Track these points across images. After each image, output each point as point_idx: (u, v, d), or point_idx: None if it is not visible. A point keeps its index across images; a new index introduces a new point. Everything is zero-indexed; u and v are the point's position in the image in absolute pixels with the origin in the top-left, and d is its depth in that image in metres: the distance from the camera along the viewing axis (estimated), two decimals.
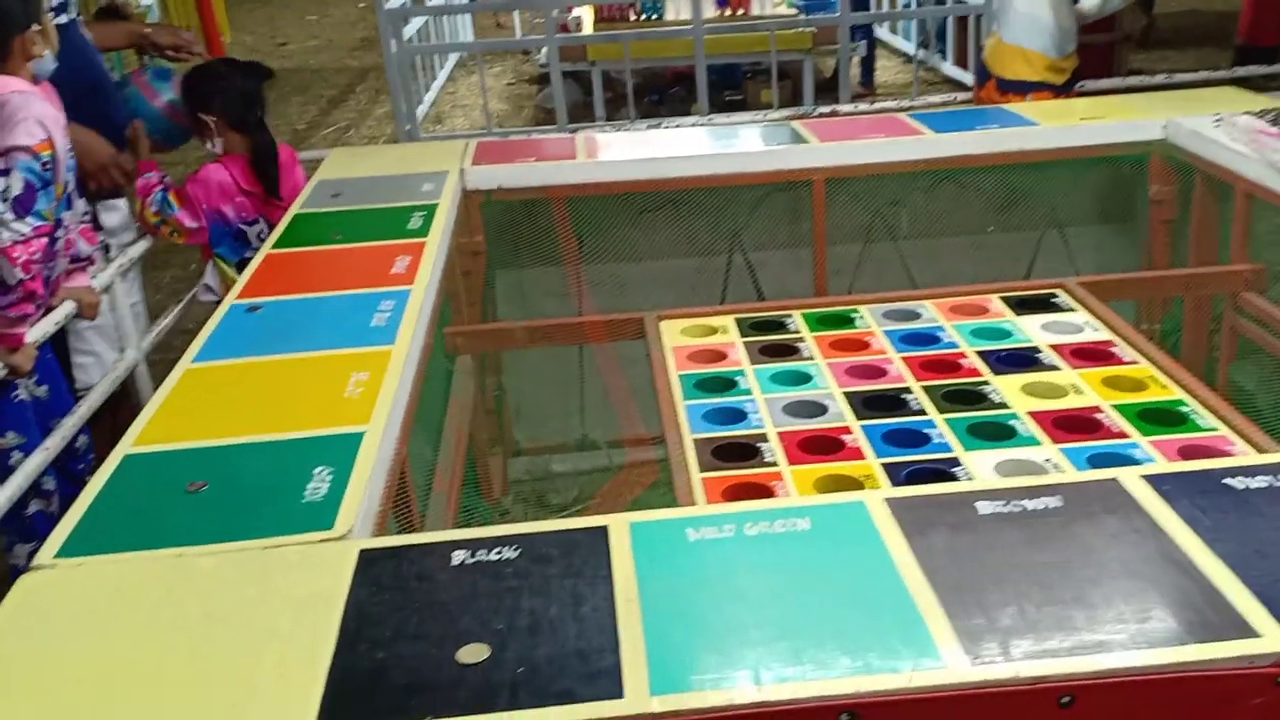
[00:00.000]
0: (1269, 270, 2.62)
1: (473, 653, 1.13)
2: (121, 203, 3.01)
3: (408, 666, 1.12)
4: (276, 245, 2.39)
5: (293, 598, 1.24)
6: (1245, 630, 1.10)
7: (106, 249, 2.89)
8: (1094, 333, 2.30)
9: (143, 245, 2.96)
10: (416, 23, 7.17)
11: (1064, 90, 3.60)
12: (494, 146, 3.10)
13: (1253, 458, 1.64)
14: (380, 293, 2.06)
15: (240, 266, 2.90)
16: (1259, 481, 1.33)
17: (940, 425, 1.99)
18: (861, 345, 2.33)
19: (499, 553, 1.28)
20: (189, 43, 3.13)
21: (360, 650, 1.15)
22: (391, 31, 5.25)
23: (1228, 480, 1.34)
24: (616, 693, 1.07)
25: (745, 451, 1.95)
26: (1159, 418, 1.96)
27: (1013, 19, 3.60)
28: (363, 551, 1.30)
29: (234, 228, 2.90)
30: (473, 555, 1.28)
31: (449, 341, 2.45)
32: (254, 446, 1.55)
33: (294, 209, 2.62)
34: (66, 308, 2.52)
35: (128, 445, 1.57)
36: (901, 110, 3.97)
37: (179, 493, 1.45)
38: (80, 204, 2.62)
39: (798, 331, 2.41)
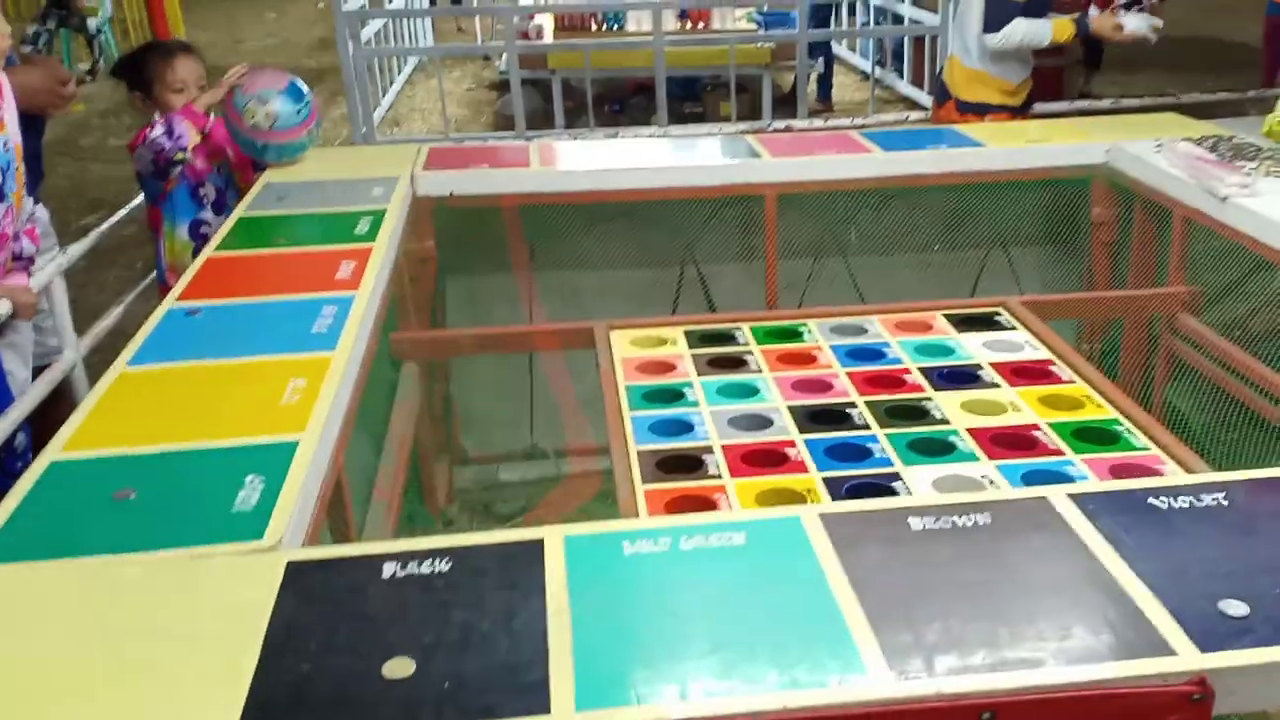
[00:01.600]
0: (1205, 293, 2.68)
1: (399, 667, 1.12)
2: (39, 208, 2.92)
3: (332, 680, 1.11)
4: (219, 248, 2.35)
5: (217, 609, 1.22)
6: (1163, 649, 1.12)
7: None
8: (1034, 351, 2.33)
9: (82, 247, 2.92)
10: (375, 25, 7.12)
11: (1021, 112, 3.70)
12: (447, 152, 3.09)
13: (1176, 478, 1.67)
14: (323, 298, 2.04)
15: (193, 229, 2.91)
16: (1181, 501, 1.36)
17: (882, 440, 2.01)
18: (809, 359, 2.35)
19: (431, 565, 1.27)
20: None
21: (284, 663, 1.13)
22: (349, 33, 5.21)
23: (1152, 500, 1.37)
24: (544, 707, 1.07)
25: (689, 464, 1.95)
26: (1093, 436, 1.99)
27: (972, 44, 3.66)
28: (291, 563, 1.29)
29: (192, 183, 2.89)
30: (404, 567, 1.27)
31: (395, 347, 2.43)
32: (185, 454, 1.53)
33: (238, 212, 2.59)
34: (2, 306, 2.46)
35: (55, 451, 1.54)
36: (855, 128, 4.01)
37: (105, 500, 1.42)
38: (29, 203, 2.57)
39: (746, 345, 2.42)
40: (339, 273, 2.16)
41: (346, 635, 1.17)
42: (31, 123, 2.91)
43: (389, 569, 1.27)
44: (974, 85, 3.66)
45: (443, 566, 1.27)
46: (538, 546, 1.31)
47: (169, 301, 2.07)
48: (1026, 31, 3.53)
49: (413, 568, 1.27)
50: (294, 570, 1.28)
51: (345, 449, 1.74)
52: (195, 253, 2.86)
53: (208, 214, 2.92)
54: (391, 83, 7.92)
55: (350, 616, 1.20)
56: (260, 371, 1.77)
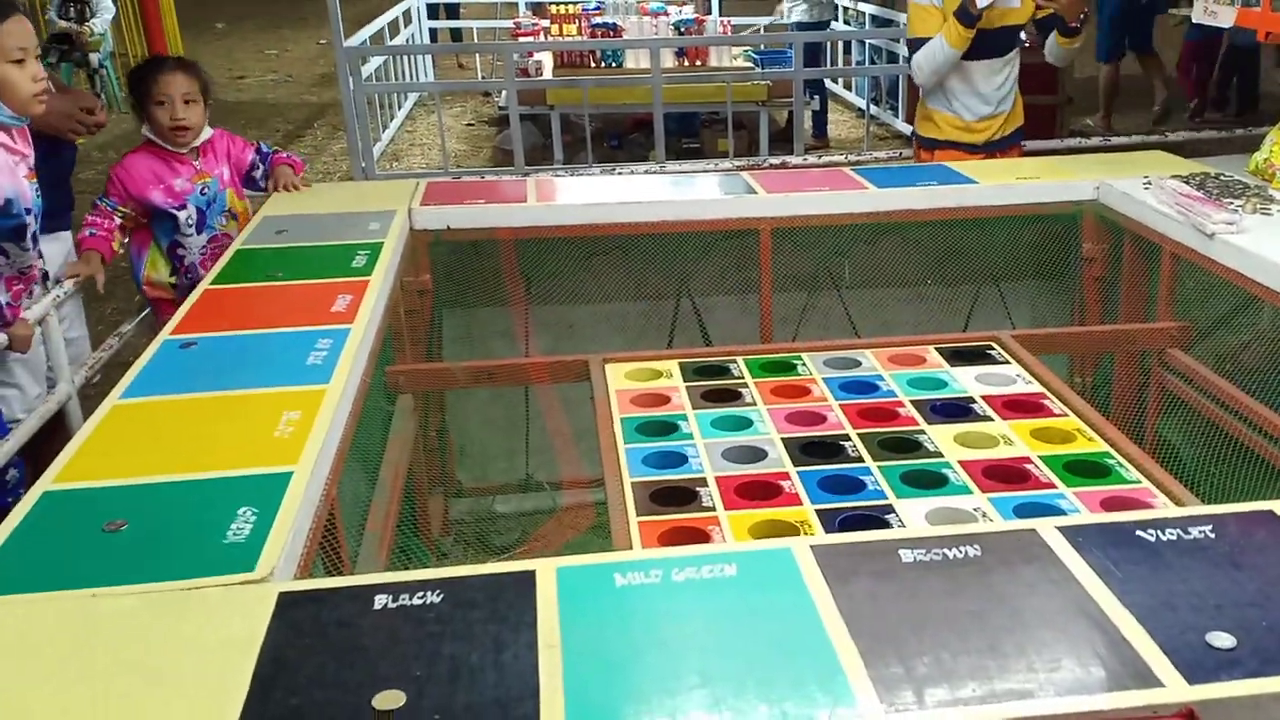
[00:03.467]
0: (1194, 328, 2.70)
1: (389, 699, 1.12)
2: (66, 234, 3.00)
3: (322, 713, 1.11)
4: (215, 281, 2.37)
5: (207, 641, 1.22)
6: (1150, 680, 1.12)
7: (45, 277, 2.87)
8: (1025, 385, 2.34)
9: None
10: (376, 61, 7.19)
11: (983, 151, 3.61)
12: (444, 187, 3.11)
13: (1165, 511, 1.68)
14: (318, 331, 2.05)
15: (170, 250, 2.97)
16: (1170, 534, 1.37)
17: (875, 473, 2.01)
18: (802, 392, 2.36)
19: (422, 597, 1.28)
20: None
21: (274, 696, 1.13)
22: (349, 69, 5.26)
23: (1140, 533, 1.37)
24: None
25: (683, 496, 1.95)
26: (1085, 470, 2.00)
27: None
28: (282, 594, 1.29)
29: (165, 211, 2.94)
30: (395, 600, 1.27)
31: (391, 380, 2.44)
32: (177, 486, 1.53)
33: (236, 244, 2.61)
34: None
35: (47, 482, 1.54)
36: (849, 164, 4.04)
37: (96, 532, 1.42)
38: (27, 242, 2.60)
39: (741, 377, 2.43)
40: (335, 305, 2.17)
41: (337, 667, 1.17)
42: (57, 149, 2.96)
43: (380, 600, 1.27)
44: (925, 122, 3.68)
45: (434, 598, 1.27)
46: (529, 578, 1.31)
47: (164, 334, 2.08)
48: (925, 55, 3.47)
49: (404, 599, 1.27)
50: (285, 602, 1.28)
51: (338, 481, 1.74)
52: (172, 272, 2.97)
53: (184, 236, 2.96)
54: (392, 118, 7.99)
55: (341, 648, 1.20)
56: (254, 404, 1.78)
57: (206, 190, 2.98)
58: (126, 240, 2.97)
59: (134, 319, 3.18)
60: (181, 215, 2.94)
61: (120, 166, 2.94)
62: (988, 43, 3.44)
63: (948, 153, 3.57)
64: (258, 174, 3.13)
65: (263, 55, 12.21)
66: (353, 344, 1.99)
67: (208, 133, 3.00)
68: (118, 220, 2.90)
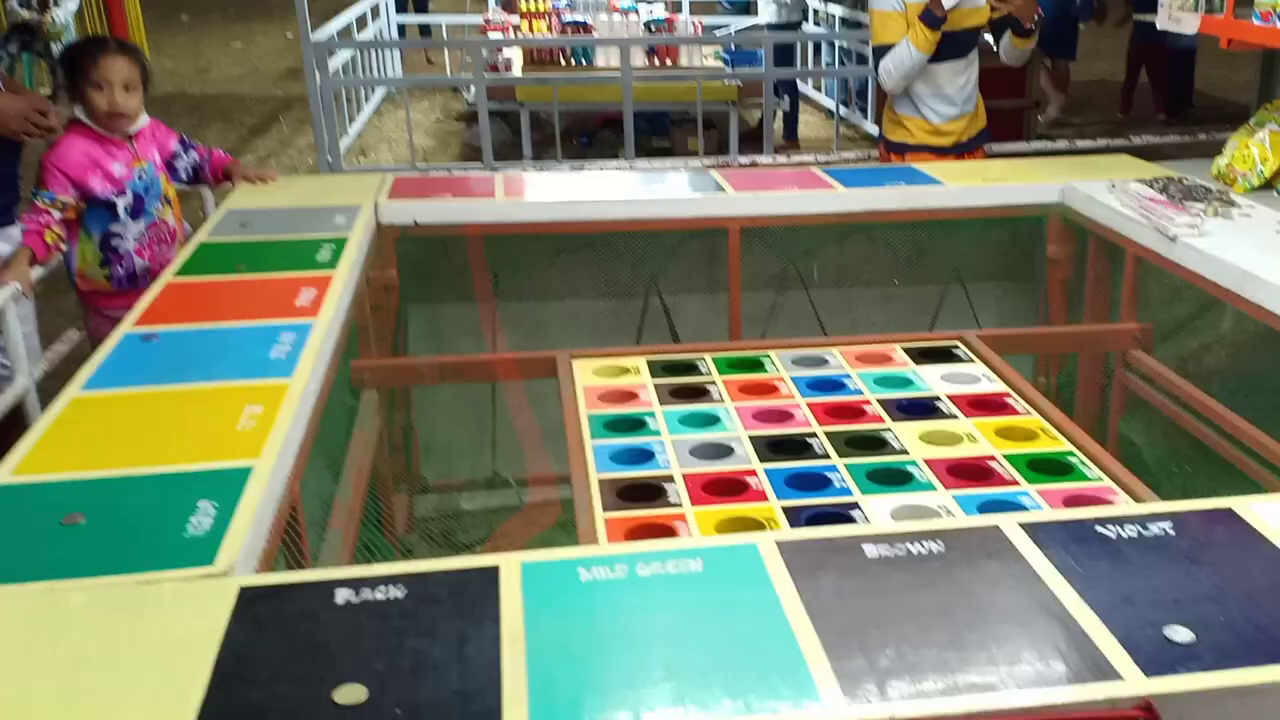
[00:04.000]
0: (1156, 330, 2.73)
1: (350, 694, 1.11)
2: (15, 231, 2.93)
3: (282, 708, 1.10)
4: (178, 274, 2.34)
5: (166, 635, 1.20)
6: (1109, 674, 1.13)
7: None
8: (990, 384, 2.36)
9: (39, 271, 2.89)
10: (343, 55, 7.14)
11: (953, 153, 3.63)
12: (412, 182, 3.09)
13: (1125, 507, 1.70)
14: (282, 325, 2.03)
15: (104, 241, 2.89)
16: (1129, 531, 1.38)
17: (841, 470, 2.02)
18: (770, 390, 2.37)
19: (385, 592, 1.26)
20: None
21: (233, 690, 1.12)
22: (316, 63, 5.22)
23: (1101, 529, 1.39)
24: None
25: (650, 492, 1.95)
26: (1047, 467, 2.02)
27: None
28: (243, 589, 1.27)
29: (104, 199, 2.86)
30: (357, 594, 1.26)
31: (355, 375, 2.42)
32: (137, 479, 1.51)
33: (199, 237, 2.57)
34: None
35: (4, 475, 1.52)
36: (817, 164, 4.06)
37: (54, 525, 1.40)
38: None
39: (709, 374, 2.44)
40: (299, 299, 2.15)
41: (297, 662, 1.16)
42: (6, 145, 2.91)
43: (342, 595, 1.26)
44: (895, 127, 3.70)
45: (397, 593, 1.26)
46: (493, 573, 1.31)
47: (125, 326, 2.05)
48: (894, 60, 3.48)
49: (366, 594, 1.26)
50: (246, 596, 1.26)
51: (301, 476, 1.73)
52: (104, 263, 2.90)
53: (121, 224, 2.89)
54: (359, 113, 7.93)
55: (302, 643, 1.19)
56: (216, 397, 1.75)
57: (144, 175, 2.92)
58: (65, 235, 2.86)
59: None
60: (120, 202, 2.86)
61: (55, 154, 2.80)
62: (951, 45, 3.47)
63: (918, 156, 3.60)
64: (179, 164, 3.06)
65: (229, 48, 12.09)
66: (316, 338, 1.97)
67: (144, 120, 2.94)
68: (56, 215, 2.77)
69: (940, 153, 3.61)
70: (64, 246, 2.84)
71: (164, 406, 1.74)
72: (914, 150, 3.63)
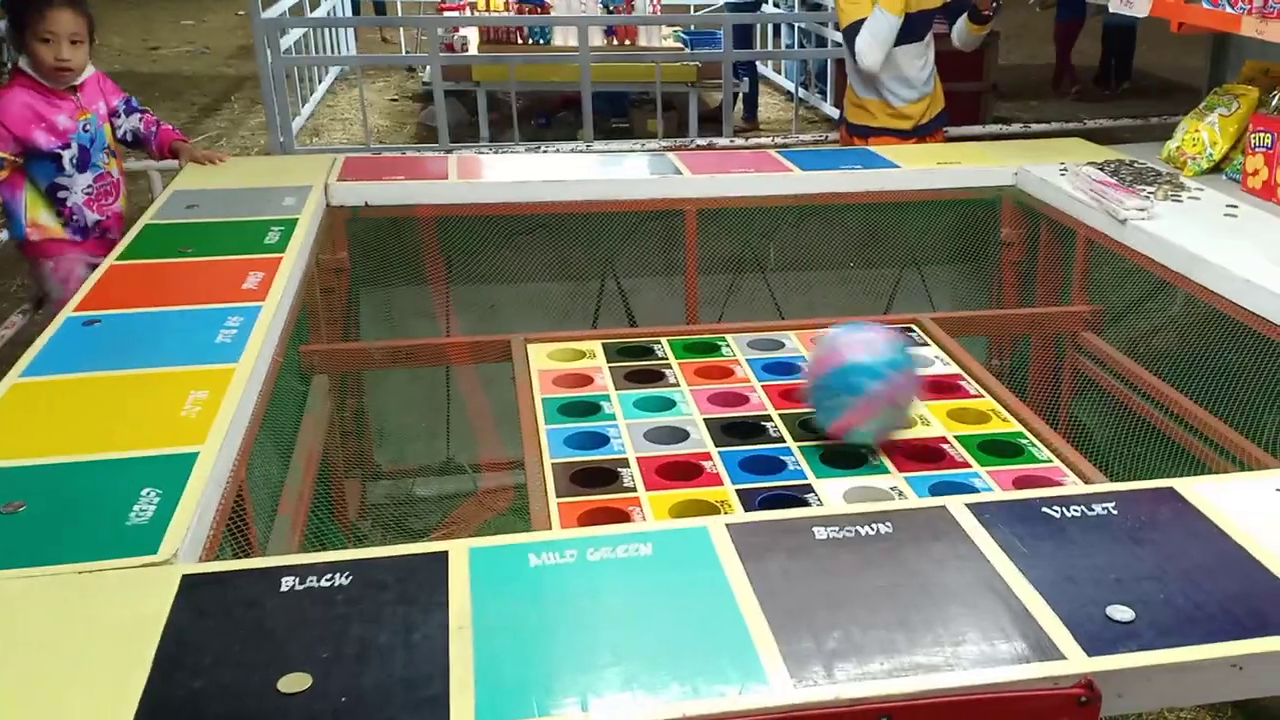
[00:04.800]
0: (1106, 312, 2.77)
1: (294, 682, 1.10)
2: None
3: (225, 696, 1.08)
4: (121, 257, 2.29)
5: (107, 624, 1.18)
6: (1053, 653, 1.15)
7: None
8: (944, 366, 2.38)
9: None
10: (296, 33, 7.02)
11: (914, 135, 3.65)
12: (363, 162, 3.05)
13: (1070, 488, 1.72)
14: (228, 308, 1.99)
15: (51, 192, 2.85)
16: (1074, 511, 1.40)
17: (796, 453, 2.03)
18: (726, 373, 2.37)
19: (330, 579, 1.25)
20: None
21: (176, 679, 1.10)
22: (267, 41, 5.13)
23: (1045, 509, 1.40)
24: None
25: (604, 476, 1.95)
26: (998, 449, 2.04)
27: (851, 72, 3.71)
28: (185, 576, 1.25)
29: (48, 151, 2.83)
30: (303, 581, 1.25)
31: (305, 360, 2.39)
32: (78, 466, 1.48)
33: (145, 219, 2.53)
34: None
35: None
36: (775, 147, 4.06)
37: None
38: None
39: (665, 358, 2.43)
40: (246, 283, 2.12)
41: (241, 650, 1.14)
42: None
43: (287, 582, 1.24)
44: (856, 110, 3.70)
45: (343, 580, 1.25)
46: (442, 559, 1.30)
47: (66, 311, 2.01)
48: (870, 30, 3.45)
49: (311, 581, 1.24)
50: (188, 584, 1.25)
51: (248, 463, 1.70)
52: (58, 215, 2.87)
53: (67, 176, 2.86)
54: (312, 92, 7.82)
55: (246, 631, 1.17)
56: (160, 383, 1.72)
57: (89, 127, 2.88)
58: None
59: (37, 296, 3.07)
60: (66, 155, 2.82)
61: None
62: (910, 27, 3.48)
63: (880, 139, 3.61)
64: (119, 123, 3.01)
65: (179, 25, 11.86)
66: (264, 322, 1.94)
67: (89, 71, 2.89)
68: None
69: (901, 135, 3.62)
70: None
71: (107, 392, 1.71)
72: (876, 133, 3.64)
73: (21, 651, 1.14)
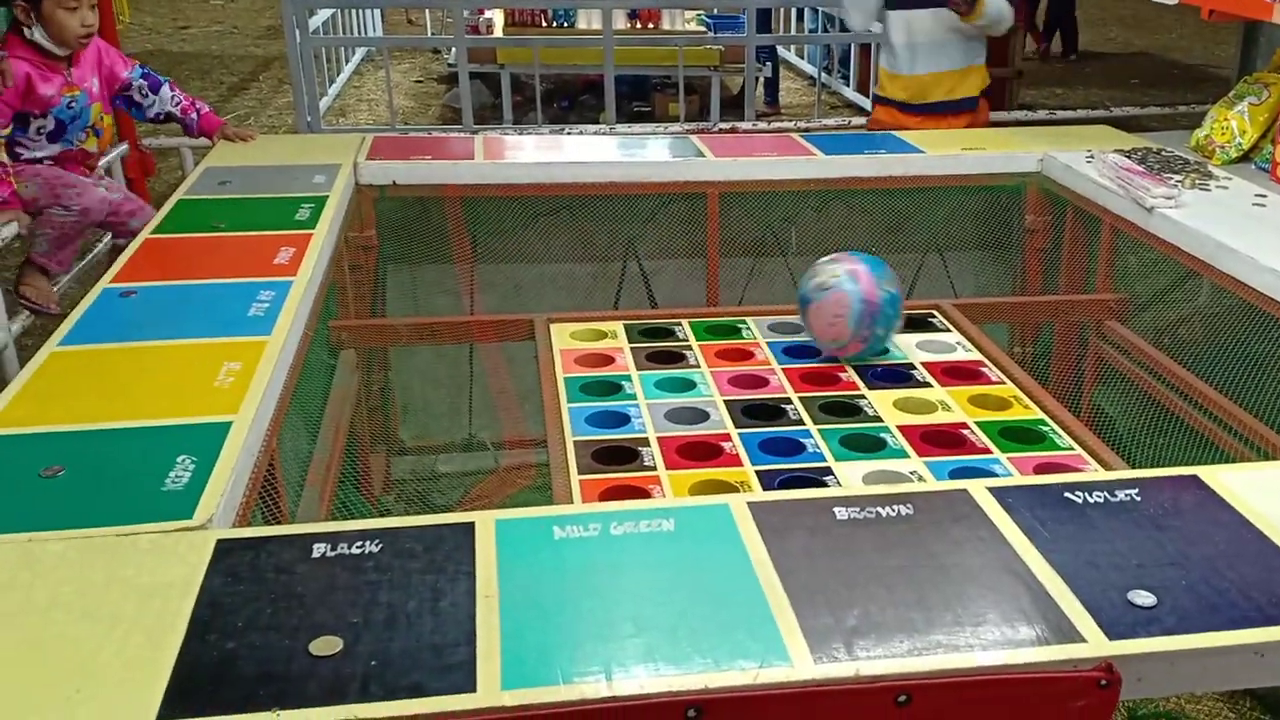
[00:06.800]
0: (1131, 301, 2.76)
1: (325, 645, 1.12)
2: None
3: (258, 657, 1.11)
4: (156, 231, 2.33)
5: (143, 586, 1.21)
6: (1073, 635, 1.16)
7: None
8: (965, 353, 2.38)
9: (12, 229, 2.86)
10: (324, 14, 7.04)
11: (918, 112, 3.50)
12: (391, 142, 3.07)
13: (1092, 474, 1.72)
14: (260, 283, 2.02)
15: (9, 145, 2.88)
16: (1096, 496, 1.41)
17: (815, 435, 2.04)
18: (746, 355, 2.38)
19: (360, 546, 1.28)
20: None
21: (210, 640, 1.13)
22: (296, 22, 5.14)
23: (1067, 494, 1.41)
24: (469, 686, 1.08)
25: (625, 455, 1.97)
26: (1019, 436, 2.04)
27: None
28: (220, 541, 1.28)
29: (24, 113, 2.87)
30: (334, 548, 1.27)
31: (333, 335, 2.42)
32: (116, 433, 1.51)
33: (178, 195, 2.56)
34: None
35: None
36: (797, 131, 4.06)
37: (33, 477, 1.40)
38: None
39: (686, 340, 2.45)
40: (277, 258, 2.15)
41: (273, 613, 1.17)
42: None
43: (319, 549, 1.27)
44: (879, 79, 3.69)
45: (373, 548, 1.27)
46: (468, 529, 1.32)
47: (104, 282, 2.04)
48: None
49: (342, 548, 1.27)
50: (222, 549, 1.27)
51: (278, 433, 1.73)
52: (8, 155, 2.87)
53: (28, 138, 2.88)
54: (339, 73, 7.84)
55: (278, 595, 1.20)
56: (194, 354, 1.75)
57: (74, 104, 2.89)
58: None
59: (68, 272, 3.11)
60: (36, 123, 2.84)
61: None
62: None
63: (886, 109, 3.58)
64: (144, 100, 3.02)
65: (208, 5, 11.90)
66: (295, 297, 1.96)
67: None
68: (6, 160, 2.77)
69: (902, 108, 3.52)
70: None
71: (143, 362, 1.74)
72: (883, 103, 3.61)
73: (61, 611, 1.17)
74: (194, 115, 3.07)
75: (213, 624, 1.16)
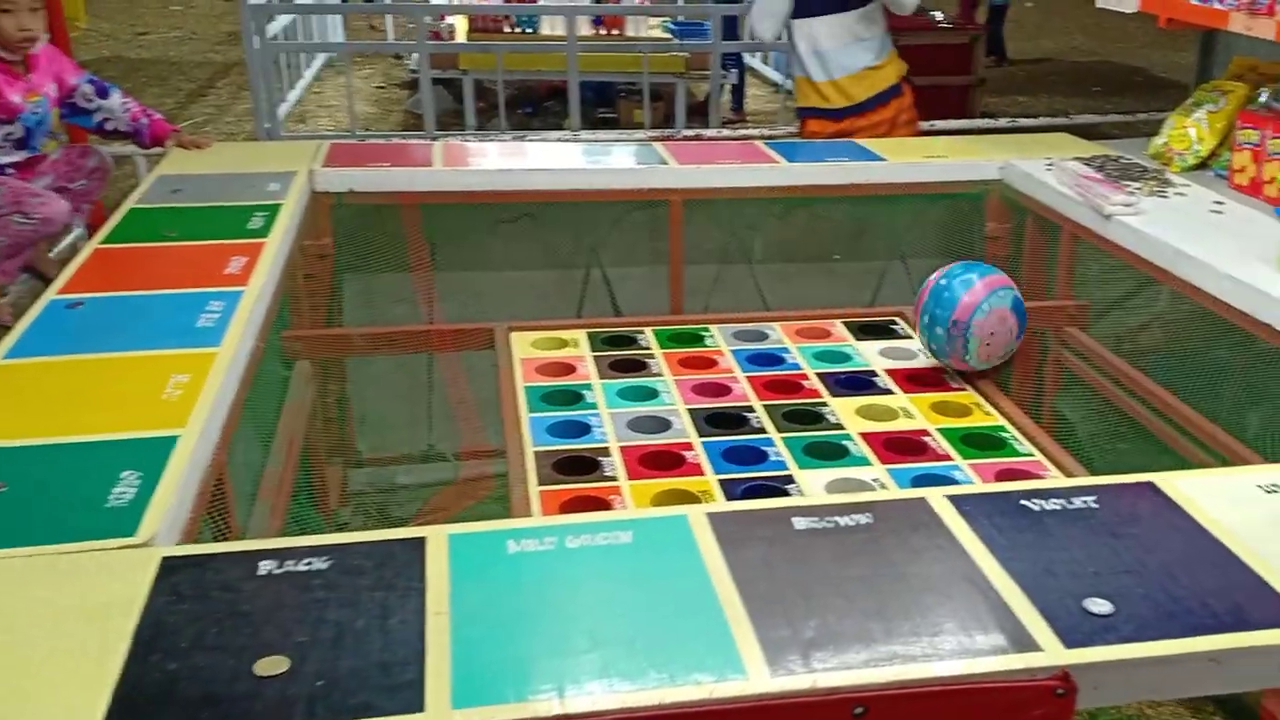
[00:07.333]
0: (1091, 307, 2.78)
1: (271, 665, 1.09)
2: None
3: (202, 678, 1.08)
4: (106, 240, 2.28)
5: (84, 606, 1.18)
6: (1030, 645, 1.15)
7: None
8: (927, 359, 2.39)
9: None
10: (283, 19, 6.98)
11: (848, 115, 3.52)
12: (348, 149, 3.04)
13: (1050, 481, 1.73)
14: (211, 293, 1.98)
15: None
16: (1053, 504, 1.40)
17: (778, 444, 2.04)
18: (709, 363, 2.37)
19: (309, 563, 1.25)
20: None
21: (152, 661, 1.10)
22: (255, 27, 5.09)
23: (1025, 502, 1.41)
24: (417, 706, 1.05)
25: (586, 465, 1.95)
26: (980, 442, 2.05)
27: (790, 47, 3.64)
28: (165, 559, 1.25)
29: None
30: (281, 565, 1.24)
31: (288, 346, 2.38)
32: (58, 448, 1.48)
33: (129, 203, 2.51)
34: None
35: None
36: (761, 138, 4.06)
37: None
38: None
39: (648, 348, 2.44)
40: (229, 268, 2.11)
41: (219, 633, 1.14)
42: None
43: (265, 566, 1.24)
44: (797, 91, 3.64)
45: (321, 565, 1.24)
46: (420, 545, 1.29)
47: (51, 293, 1.99)
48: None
49: (290, 565, 1.24)
50: (167, 567, 1.24)
51: (228, 447, 1.70)
52: None
53: None
54: (299, 78, 7.77)
55: (223, 614, 1.17)
56: (142, 366, 1.71)
57: (38, 110, 2.85)
58: None
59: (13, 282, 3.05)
60: (4, 129, 2.80)
61: None
62: None
63: (814, 120, 3.56)
64: (89, 105, 2.95)
65: (167, 10, 11.76)
66: (245, 307, 1.93)
67: (44, 38, 2.88)
68: None
69: (833, 117, 3.51)
70: None
71: (88, 375, 1.70)
72: (808, 114, 3.58)
73: (1, 629, 1.14)
74: (144, 121, 3.01)
75: (155, 644, 1.12)
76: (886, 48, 3.54)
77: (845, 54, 3.47)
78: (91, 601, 1.19)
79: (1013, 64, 8.96)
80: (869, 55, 3.49)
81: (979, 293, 2.21)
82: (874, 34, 3.50)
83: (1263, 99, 2.80)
